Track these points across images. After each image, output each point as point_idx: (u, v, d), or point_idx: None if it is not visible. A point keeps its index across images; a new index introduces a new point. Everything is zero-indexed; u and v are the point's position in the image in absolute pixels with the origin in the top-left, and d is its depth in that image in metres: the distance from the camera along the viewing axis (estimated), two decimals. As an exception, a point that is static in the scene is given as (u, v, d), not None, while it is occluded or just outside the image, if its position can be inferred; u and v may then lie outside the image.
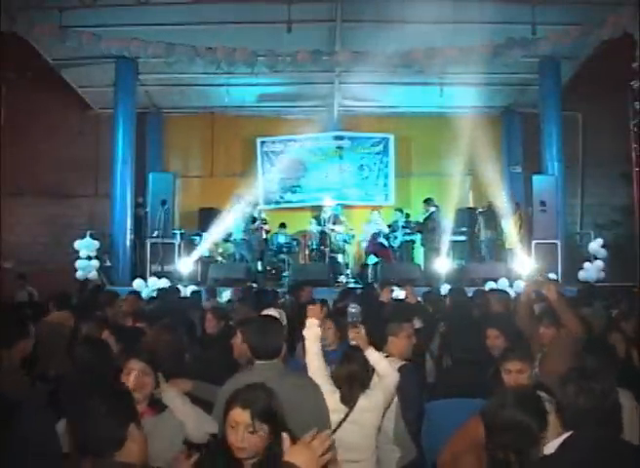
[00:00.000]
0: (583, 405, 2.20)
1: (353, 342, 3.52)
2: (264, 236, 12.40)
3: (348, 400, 3.23)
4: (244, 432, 2.20)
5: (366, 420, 3.22)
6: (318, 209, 13.53)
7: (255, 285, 10.18)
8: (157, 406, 2.84)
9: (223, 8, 10.45)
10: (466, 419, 2.69)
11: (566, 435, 2.19)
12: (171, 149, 15.05)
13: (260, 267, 12.27)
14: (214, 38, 10.70)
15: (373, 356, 3.38)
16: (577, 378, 2.28)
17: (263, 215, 12.80)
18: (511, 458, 2.17)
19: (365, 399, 3.25)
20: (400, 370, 3.57)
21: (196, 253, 11.82)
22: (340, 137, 14.64)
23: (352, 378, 3.26)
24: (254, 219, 12.24)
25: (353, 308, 3.66)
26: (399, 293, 7.59)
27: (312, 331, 3.37)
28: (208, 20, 10.75)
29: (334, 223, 12.60)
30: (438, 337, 5.03)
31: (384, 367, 3.37)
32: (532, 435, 2.19)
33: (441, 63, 10.85)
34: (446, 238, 11.84)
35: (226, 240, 12.48)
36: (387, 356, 3.68)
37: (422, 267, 11.62)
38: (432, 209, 11.87)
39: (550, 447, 2.19)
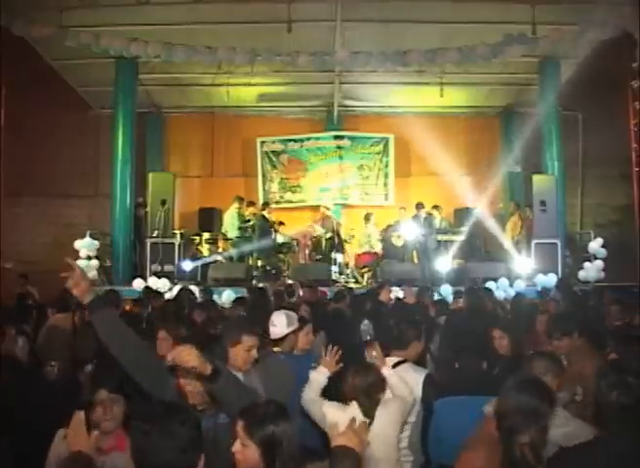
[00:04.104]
0: (617, 400, 2.15)
1: (371, 361, 3.47)
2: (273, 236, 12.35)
3: (369, 412, 3.17)
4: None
5: (388, 432, 3.18)
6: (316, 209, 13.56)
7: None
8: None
9: (223, 8, 10.46)
10: (472, 417, 2.70)
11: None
12: (171, 149, 15.05)
13: (266, 268, 12.15)
14: (214, 38, 10.71)
15: (390, 376, 3.36)
16: (612, 372, 2.24)
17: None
18: (525, 448, 2.21)
19: (384, 410, 3.21)
20: (426, 379, 3.59)
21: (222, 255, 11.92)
22: (341, 137, 14.64)
23: (371, 390, 3.21)
24: (265, 220, 12.14)
25: (365, 326, 3.60)
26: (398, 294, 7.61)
27: (318, 377, 3.42)
28: (208, 20, 10.76)
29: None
30: (439, 338, 5.04)
31: (399, 386, 3.35)
32: (540, 415, 2.25)
33: (441, 63, 10.85)
34: (444, 238, 11.87)
35: (226, 239, 12.46)
36: (405, 361, 3.67)
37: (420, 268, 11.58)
38: (424, 211, 11.88)
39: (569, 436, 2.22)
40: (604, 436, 2.18)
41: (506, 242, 11.75)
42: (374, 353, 3.48)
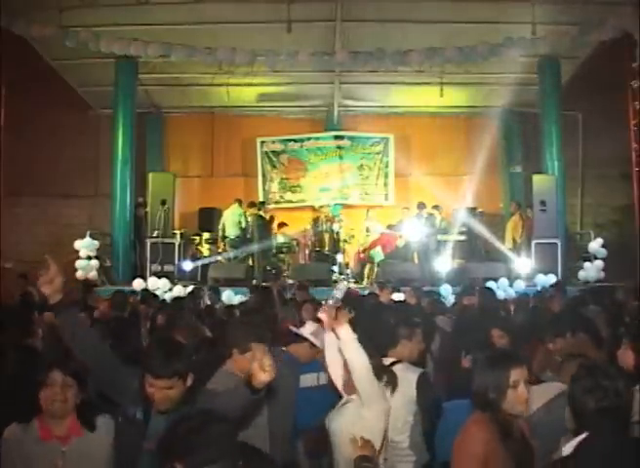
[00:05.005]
0: (594, 403, 2.15)
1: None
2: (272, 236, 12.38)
3: (394, 388, 3.22)
4: None
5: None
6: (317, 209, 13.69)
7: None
8: (85, 423, 2.65)
9: (223, 8, 10.46)
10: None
11: (581, 437, 2.16)
12: (171, 149, 15.05)
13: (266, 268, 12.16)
14: (214, 38, 10.72)
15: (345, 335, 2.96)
16: (587, 376, 2.24)
17: None
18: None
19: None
20: (419, 379, 3.56)
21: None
22: (341, 137, 14.65)
23: (383, 365, 3.24)
24: (262, 219, 12.18)
25: (338, 290, 3.15)
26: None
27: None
28: (208, 20, 10.77)
29: (331, 223, 12.68)
30: (439, 338, 5.04)
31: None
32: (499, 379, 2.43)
33: (441, 63, 10.86)
34: (444, 238, 11.88)
35: (225, 237, 12.45)
36: (398, 361, 3.67)
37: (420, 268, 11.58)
38: (425, 211, 11.88)
39: (568, 447, 2.19)
40: (586, 442, 2.16)
41: (502, 243, 11.76)
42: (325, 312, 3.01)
